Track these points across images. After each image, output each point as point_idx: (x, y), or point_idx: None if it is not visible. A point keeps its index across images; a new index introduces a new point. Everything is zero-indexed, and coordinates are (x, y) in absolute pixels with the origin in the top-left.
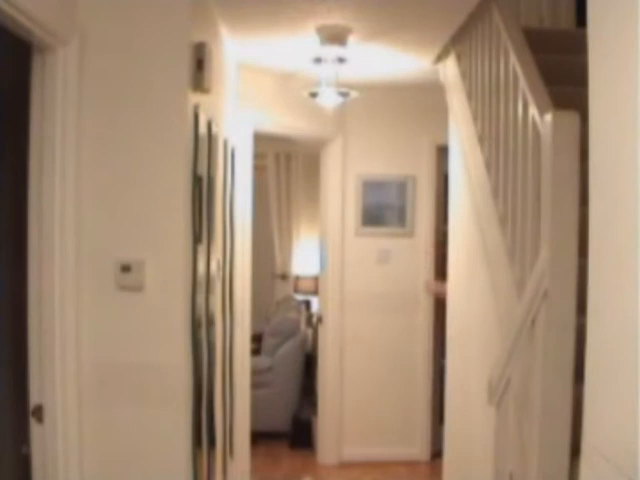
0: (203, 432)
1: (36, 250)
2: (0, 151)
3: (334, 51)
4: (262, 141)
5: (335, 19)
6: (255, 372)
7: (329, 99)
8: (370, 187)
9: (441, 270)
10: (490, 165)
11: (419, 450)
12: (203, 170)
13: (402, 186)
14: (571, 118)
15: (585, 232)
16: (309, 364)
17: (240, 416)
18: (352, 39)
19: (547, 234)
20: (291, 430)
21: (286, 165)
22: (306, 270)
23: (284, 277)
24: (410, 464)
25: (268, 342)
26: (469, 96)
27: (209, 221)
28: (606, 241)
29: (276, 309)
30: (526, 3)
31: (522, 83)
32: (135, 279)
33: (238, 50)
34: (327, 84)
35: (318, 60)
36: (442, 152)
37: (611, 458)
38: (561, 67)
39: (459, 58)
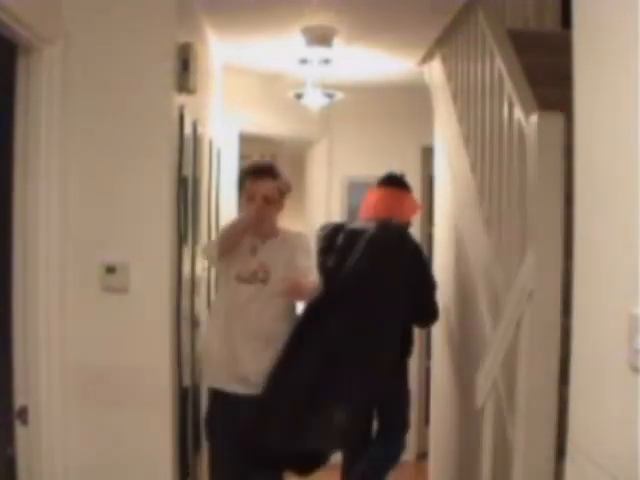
0: (188, 434)
1: (21, 252)
2: None
3: (319, 52)
4: (247, 142)
5: (320, 20)
6: None
7: (314, 100)
8: (356, 188)
9: None
10: (475, 166)
11: (405, 451)
12: (188, 171)
13: None
14: (556, 119)
15: (570, 234)
16: None
17: None
18: (337, 40)
19: (533, 235)
20: None
21: None
22: None
23: None
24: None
25: None
26: (454, 98)
27: (194, 222)
28: (590, 241)
29: None
30: (511, 4)
31: (507, 84)
32: (120, 280)
33: (224, 51)
34: (312, 85)
35: (304, 61)
36: (427, 153)
37: (596, 459)
38: (546, 68)
39: (444, 60)
